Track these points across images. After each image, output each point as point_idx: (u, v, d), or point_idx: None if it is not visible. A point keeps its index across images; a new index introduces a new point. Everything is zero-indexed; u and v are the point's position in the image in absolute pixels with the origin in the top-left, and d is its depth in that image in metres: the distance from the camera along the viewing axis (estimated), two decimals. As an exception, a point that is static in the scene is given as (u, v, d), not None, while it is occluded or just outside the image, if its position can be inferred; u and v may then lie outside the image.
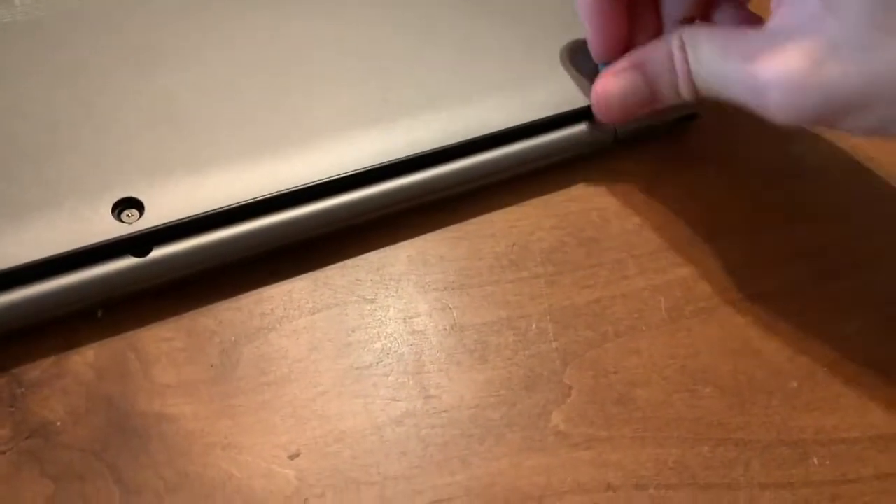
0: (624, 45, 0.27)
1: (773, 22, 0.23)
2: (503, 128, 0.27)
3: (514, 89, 0.28)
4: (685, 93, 0.25)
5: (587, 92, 0.28)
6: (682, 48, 0.24)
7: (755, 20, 0.27)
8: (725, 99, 0.23)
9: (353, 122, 0.26)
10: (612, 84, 0.26)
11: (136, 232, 0.22)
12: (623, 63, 0.26)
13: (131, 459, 0.21)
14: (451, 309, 0.25)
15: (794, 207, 0.29)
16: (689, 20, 0.27)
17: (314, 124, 0.26)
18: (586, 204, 0.28)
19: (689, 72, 0.24)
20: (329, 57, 0.28)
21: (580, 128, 0.28)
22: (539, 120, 0.27)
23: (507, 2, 0.31)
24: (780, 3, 0.23)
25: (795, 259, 0.27)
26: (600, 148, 0.29)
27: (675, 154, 0.30)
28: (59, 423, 0.21)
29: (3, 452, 0.20)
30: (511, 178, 0.28)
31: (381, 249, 0.26)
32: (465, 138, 0.26)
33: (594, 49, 0.27)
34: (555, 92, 0.28)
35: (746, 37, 0.23)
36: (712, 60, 0.23)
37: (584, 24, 0.27)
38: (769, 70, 0.22)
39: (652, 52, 0.25)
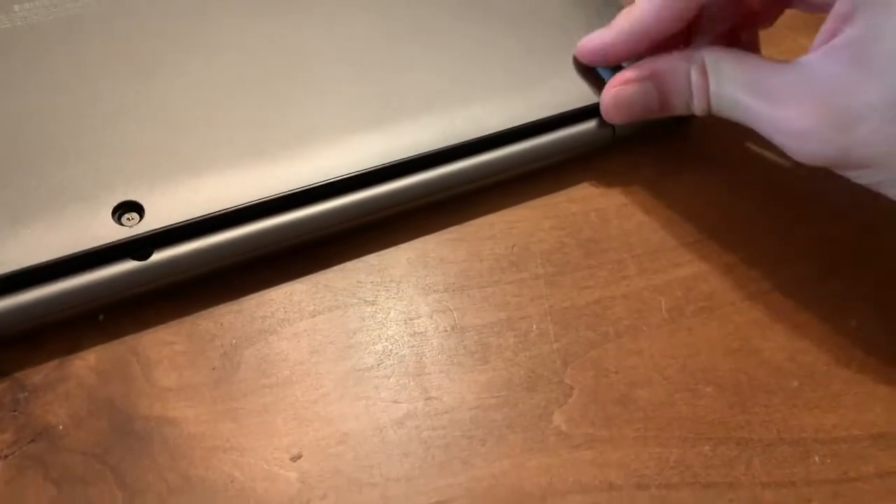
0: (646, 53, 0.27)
1: (808, 61, 0.23)
2: (502, 129, 0.27)
3: (512, 90, 0.28)
4: (698, 111, 0.25)
5: (585, 93, 0.28)
6: (703, 71, 0.25)
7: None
8: (739, 122, 0.24)
9: (353, 125, 0.26)
10: (625, 91, 0.26)
11: (136, 235, 0.22)
12: (637, 72, 0.26)
13: (134, 463, 0.21)
14: (451, 310, 0.25)
15: (793, 206, 0.29)
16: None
17: (314, 126, 0.26)
18: (586, 205, 0.28)
19: (707, 94, 0.25)
20: (328, 60, 0.28)
21: (579, 128, 0.28)
22: (538, 121, 0.28)
23: (504, 4, 0.31)
24: (820, 44, 0.23)
25: (795, 258, 0.27)
26: (599, 148, 0.29)
27: (674, 154, 0.30)
28: (61, 427, 0.21)
29: (6, 457, 0.21)
30: (510, 179, 0.28)
31: (382, 251, 0.26)
32: (463, 140, 0.27)
33: (619, 50, 0.27)
34: (553, 92, 0.28)
35: (775, 72, 0.23)
36: (736, 91, 0.24)
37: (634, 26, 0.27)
38: (796, 119, 0.22)
39: (669, 68, 0.26)
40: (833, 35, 0.22)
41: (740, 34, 0.28)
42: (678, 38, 0.27)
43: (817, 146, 0.22)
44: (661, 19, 0.25)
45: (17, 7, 0.27)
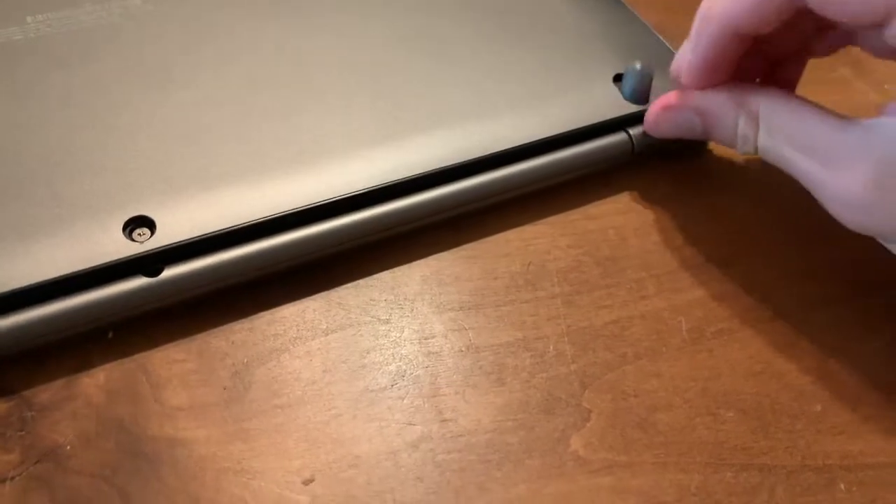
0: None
1: (877, 123, 0.21)
2: (518, 144, 0.27)
3: (528, 105, 0.28)
4: (741, 151, 0.25)
5: (602, 108, 0.28)
6: (754, 119, 0.24)
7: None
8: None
9: (367, 139, 0.26)
10: (669, 117, 0.26)
11: (147, 251, 0.22)
12: (685, 101, 0.26)
13: (142, 485, 0.20)
14: (466, 330, 0.24)
15: (814, 226, 0.28)
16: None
17: (327, 141, 0.25)
18: (603, 222, 0.28)
19: (755, 143, 0.24)
20: (342, 73, 0.27)
21: (596, 143, 0.28)
22: (555, 136, 0.27)
23: (520, 17, 0.31)
24: (884, 111, 0.21)
25: (819, 279, 0.27)
26: (618, 164, 0.28)
27: (694, 171, 0.29)
28: (69, 448, 0.21)
29: (13, 478, 0.20)
30: (526, 196, 0.27)
31: (396, 269, 0.26)
32: (479, 155, 0.26)
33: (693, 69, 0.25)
34: (570, 107, 0.28)
35: (834, 130, 0.22)
36: (786, 147, 0.23)
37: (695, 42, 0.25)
38: (851, 185, 0.21)
39: (717, 110, 0.25)
40: None
41: (789, 63, 0.27)
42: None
43: (870, 217, 0.21)
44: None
45: (29, 19, 0.27)
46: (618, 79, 0.29)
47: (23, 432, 0.21)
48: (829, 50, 0.27)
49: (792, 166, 0.23)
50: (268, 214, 0.23)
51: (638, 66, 0.28)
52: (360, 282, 0.25)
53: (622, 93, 0.28)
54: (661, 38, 0.32)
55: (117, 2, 0.29)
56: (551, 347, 0.24)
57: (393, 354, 0.24)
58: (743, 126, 0.24)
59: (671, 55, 0.31)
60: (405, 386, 0.23)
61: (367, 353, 0.24)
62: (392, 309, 0.25)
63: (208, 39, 0.28)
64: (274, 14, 0.29)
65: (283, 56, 0.28)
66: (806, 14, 0.22)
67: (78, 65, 0.26)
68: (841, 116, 0.22)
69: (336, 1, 0.30)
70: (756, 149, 0.24)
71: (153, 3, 0.29)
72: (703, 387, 0.24)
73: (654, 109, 0.27)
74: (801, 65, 0.28)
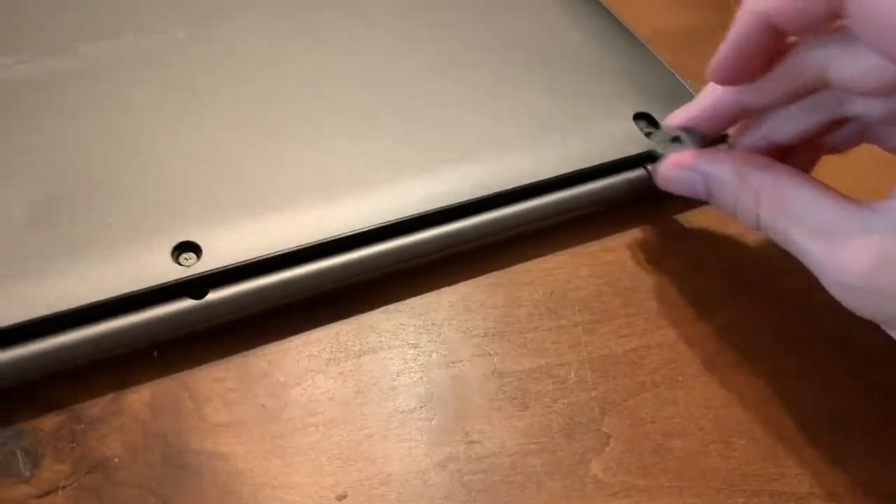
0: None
1: (887, 207, 0.21)
2: (541, 179, 0.28)
3: (551, 140, 0.29)
4: (743, 224, 0.24)
5: (622, 144, 0.29)
6: (756, 196, 0.23)
7: None
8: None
9: (396, 171, 0.27)
10: (677, 175, 0.27)
11: (193, 275, 0.23)
12: (693, 163, 0.26)
13: (185, 497, 0.21)
14: (491, 355, 0.26)
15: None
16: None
17: (358, 172, 0.27)
18: (622, 253, 0.29)
19: (756, 219, 0.24)
20: (370, 106, 0.29)
21: (615, 179, 0.29)
22: (576, 171, 0.28)
23: (542, 53, 0.32)
24: (892, 195, 0.21)
25: (830, 311, 0.28)
26: (636, 198, 0.30)
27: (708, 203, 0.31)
28: (116, 460, 0.22)
29: (65, 487, 0.21)
30: (548, 227, 0.29)
31: (424, 295, 0.27)
32: (504, 189, 0.27)
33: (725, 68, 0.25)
34: (591, 144, 0.29)
35: (839, 210, 0.21)
36: (789, 227, 0.22)
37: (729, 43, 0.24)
38: (852, 266, 0.21)
39: (722, 176, 0.25)
40: None
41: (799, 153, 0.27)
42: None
43: (871, 302, 0.21)
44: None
45: (81, 51, 0.29)
46: (638, 117, 0.30)
47: (73, 444, 0.22)
48: (844, 145, 0.26)
49: (793, 245, 0.23)
50: (305, 242, 0.24)
51: (690, 132, 0.28)
52: (391, 307, 0.26)
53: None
54: (677, 75, 0.33)
55: (159, 34, 0.30)
56: (573, 374, 0.25)
57: (421, 377, 0.25)
58: (745, 200, 0.24)
59: (688, 93, 0.32)
60: (433, 408, 0.24)
61: (397, 375, 0.25)
62: (420, 333, 0.26)
63: (251, 70, 0.29)
64: (318, 47, 0.30)
65: (322, 88, 0.29)
66: (828, 100, 0.23)
67: (129, 93, 0.28)
68: (846, 198, 0.22)
69: (364, 34, 0.32)
70: (757, 224, 0.24)
71: (193, 34, 0.30)
72: (717, 414, 0.25)
73: (665, 165, 0.27)
74: (812, 159, 0.27)
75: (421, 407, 0.24)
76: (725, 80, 0.25)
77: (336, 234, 0.25)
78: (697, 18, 0.41)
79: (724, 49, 0.24)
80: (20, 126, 0.26)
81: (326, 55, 0.30)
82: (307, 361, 0.25)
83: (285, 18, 0.32)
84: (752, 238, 0.30)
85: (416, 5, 0.34)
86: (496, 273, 0.28)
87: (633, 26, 0.35)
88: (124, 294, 0.23)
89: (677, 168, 0.27)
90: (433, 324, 0.26)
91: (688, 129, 0.27)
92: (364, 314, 0.26)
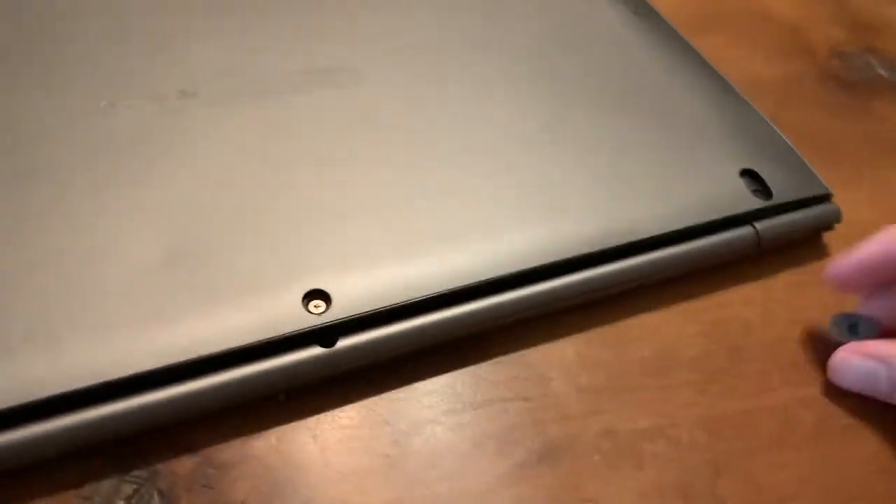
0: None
1: None
2: (649, 236, 0.28)
3: (658, 197, 0.29)
4: None
5: (730, 202, 0.29)
6: None
7: None
8: None
9: (518, 222, 0.27)
10: (855, 365, 0.26)
11: (324, 324, 0.24)
12: (878, 351, 0.25)
13: (316, 546, 0.22)
14: (604, 413, 0.26)
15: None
16: None
17: (483, 222, 0.27)
18: (729, 312, 0.29)
19: None
20: (498, 155, 0.29)
21: (723, 237, 0.29)
22: (684, 228, 0.29)
23: (649, 106, 0.32)
24: None
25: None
26: (743, 255, 0.30)
27: (814, 260, 0.31)
28: (248, 505, 0.22)
29: (203, 531, 0.22)
30: (656, 283, 0.29)
31: (538, 347, 0.27)
32: (617, 244, 0.28)
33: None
34: (699, 200, 0.29)
35: None
36: None
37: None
38: None
39: None
40: None
41: None
42: None
43: None
44: None
45: (200, 91, 0.29)
46: (744, 173, 0.30)
47: (206, 487, 0.23)
48: None
49: None
50: (433, 291, 0.25)
51: (868, 321, 0.27)
52: (504, 358, 0.27)
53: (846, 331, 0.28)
54: (779, 131, 0.33)
55: (286, 78, 0.31)
56: (685, 435, 0.25)
57: (537, 433, 0.25)
58: None
59: (790, 150, 0.32)
60: (549, 465, 0.24)
61: (513, 429, 0.25)
62: (534, 387, 0.26)
63: (379, 119, 0.30)
64: (442, 96, 0.31)
65: (445, 135, 0.30)
66: None
67: (259, 141, 0.28)
68: None
69: (484, 83, 0.32)
70: None
71: (320, 79, 0.31)
72: (830, 480, 0.25)
73: (838, 355, 0.26)
74: None
75: (537, 463, 0.24)
76: (835, 275, 0.27)
77: (460, 284, 0.25)
78: (785, 68, 0.41)
79: (850, 263, 0.26)
80: (151, 169, 0.27)
81: (450, 104, 0.31)
82: (427, 411, 0.25)
83: (411, 65, 0.33)
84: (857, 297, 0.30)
85: (528, 54, 0.34)
86: (605, 328, 0.28)
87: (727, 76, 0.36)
88: (256, 342, 0.23)
89: (857, 355, 0.26)
90: (546, 377, 0.26)
91: (865, 318, 0.27)
92: (479, 364, 0.26)
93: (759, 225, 0.29)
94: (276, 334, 0.23)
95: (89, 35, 0.31)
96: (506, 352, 0.27)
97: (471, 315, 0.26)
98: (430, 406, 0.25)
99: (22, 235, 0.24)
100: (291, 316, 0.24)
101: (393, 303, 0.24)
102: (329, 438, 0.24)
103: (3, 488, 0.22)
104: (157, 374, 0.22)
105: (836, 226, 0.32)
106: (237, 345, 0.23)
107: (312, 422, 0.24)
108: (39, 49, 0.30)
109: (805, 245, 0.31)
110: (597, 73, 0.34)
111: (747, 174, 0.31)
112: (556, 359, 0.27)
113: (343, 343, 0.24)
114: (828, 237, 0.32)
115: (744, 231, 0.29)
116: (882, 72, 0.42)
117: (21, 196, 0.25)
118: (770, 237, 0.29)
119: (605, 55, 0.35)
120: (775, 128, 0.33)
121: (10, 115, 0.27)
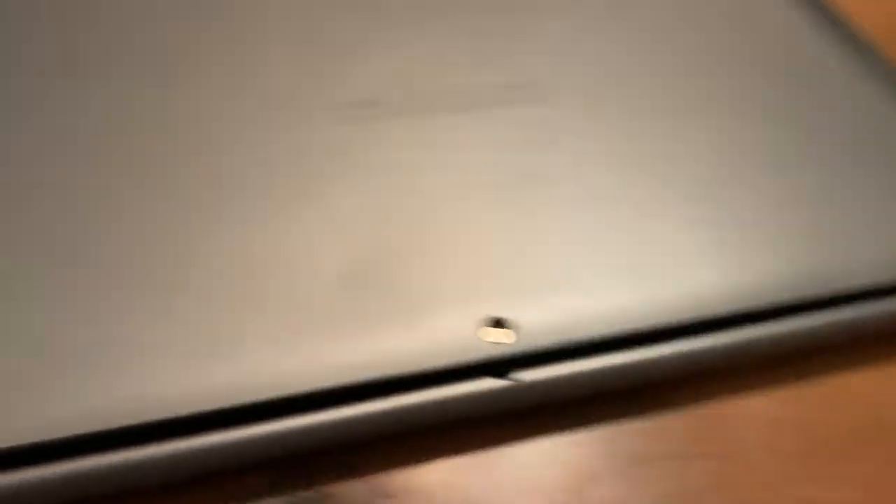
0: None
1: None
2: (869, 284, 0.25)
3: (879, 242, 0.26)
4: None
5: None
6: None
7: None
8: None
9: (718, 258, 0.25)
10: None
11: (503, 355, 0.22)
12: None
13: None
14: (803, 482, 0.23)
15: None
16: None
17: (684, 258, 0.25)
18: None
19: None
20: (697, 184, 0.27)
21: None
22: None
23: (874, 149, 0.29)
24: None
25: None
26: None
27: None
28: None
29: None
30: (852, 341, 0.26)
31: (724, 402, 0.24)
32: (817, 294, 0.25)
33: None
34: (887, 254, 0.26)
35: None
36: None
37: None
38: None
39: None
40: None
41: None
42: None
43: None
44: None
45: (380, 102, 0.28)
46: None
47: (375, 516, 0.21)
48: None
49: None
50: (619, 330, 0.23)
51: None
52: (688, 410, 0.24)
53: None
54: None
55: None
56: (901, 519, 0.22)
57: (731, 498, 0.22)
58: None
59: None
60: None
61: (702, 491, 0.22)
62: (723, 444, 0.23)
63: (562, 142, 0.28)
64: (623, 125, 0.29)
65: (636, 164, 0.28)
66: None
67: (445, 159, 0.27)
68: None
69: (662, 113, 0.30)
70: None
71: (505, 104, 0.29)
72: None
73: None
74: None
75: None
76: None
77: (645, 325, 0.23)
78: None
79: None
80: (335, 181, 0.26)
81: (654, 128, 0.29)
82: (606, 460, 0.23)
83: (609, 86, 0.31)
84: None
85: (735, 83, 0.32)
86: (795, 387, 0.25)
87: None
88: (428, 370, 0.22)
89: None
90: (737, 437, 0.24)
91: None
92: (662, 414, 0.24)
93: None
94: (456, 361, 0.22)
95: (277, 43, 0.30)
96: (690, 402, 0.24)
97: (659, 361, 0.23)
98: (609, 455, 0.23)
99: (209, 244, 0.24)
100: (469, 345, 0.22)
101: (582, 337, 0.22)
102: (494, 474, 0.22)
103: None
104: (332, 393, 0.21)
105: None
106: (416, 370, 0.22)
107: (482, 455, 0.22)
108: (229, 59, 0.29)
109: None
110: (815, 110, 0.31)
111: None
112: (747, 417, 0.24)
113: (522, 376, 0.22)
114: None
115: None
116: None
117: (209, 204, 0.25)
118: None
119: (819, 90, 0.32)
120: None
121: (200, 121, 0.27)
